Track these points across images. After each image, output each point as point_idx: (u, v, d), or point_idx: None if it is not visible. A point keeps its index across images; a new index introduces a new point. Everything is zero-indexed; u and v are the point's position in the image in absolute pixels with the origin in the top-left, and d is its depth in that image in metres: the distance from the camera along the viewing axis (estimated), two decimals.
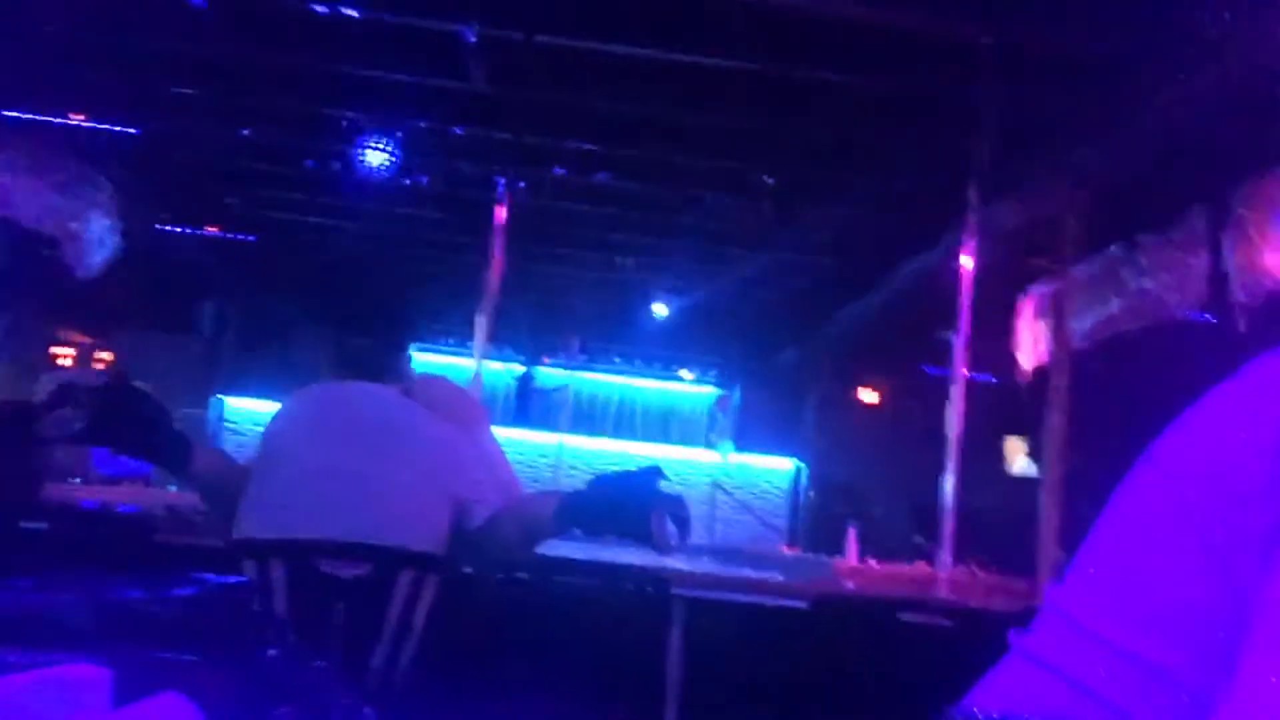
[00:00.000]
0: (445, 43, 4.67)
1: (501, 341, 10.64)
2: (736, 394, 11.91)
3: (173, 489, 5.45)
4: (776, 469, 11.27)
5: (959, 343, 4.85)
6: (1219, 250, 4.61)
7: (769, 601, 3.43)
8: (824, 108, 5.07)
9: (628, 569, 3.39)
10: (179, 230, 8.46)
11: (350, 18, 4.68)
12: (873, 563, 6.77)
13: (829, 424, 10.96)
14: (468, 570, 2.49)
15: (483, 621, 2.74)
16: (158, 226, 8.20)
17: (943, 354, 5.37)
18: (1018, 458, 9.95)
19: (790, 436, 11.22)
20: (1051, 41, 4.22)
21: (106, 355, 10.06)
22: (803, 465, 11.20)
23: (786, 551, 8.47)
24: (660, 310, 9.19)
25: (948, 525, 4.66)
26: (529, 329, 10.49)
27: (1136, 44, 3.90)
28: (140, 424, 2.18)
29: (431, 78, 5.19)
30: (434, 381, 2.71)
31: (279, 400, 2.50)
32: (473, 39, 4.51)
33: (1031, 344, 6.14)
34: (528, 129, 5.74)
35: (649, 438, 11.72)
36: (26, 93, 5.89)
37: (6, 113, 6.00)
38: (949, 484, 4.70)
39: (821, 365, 10.82)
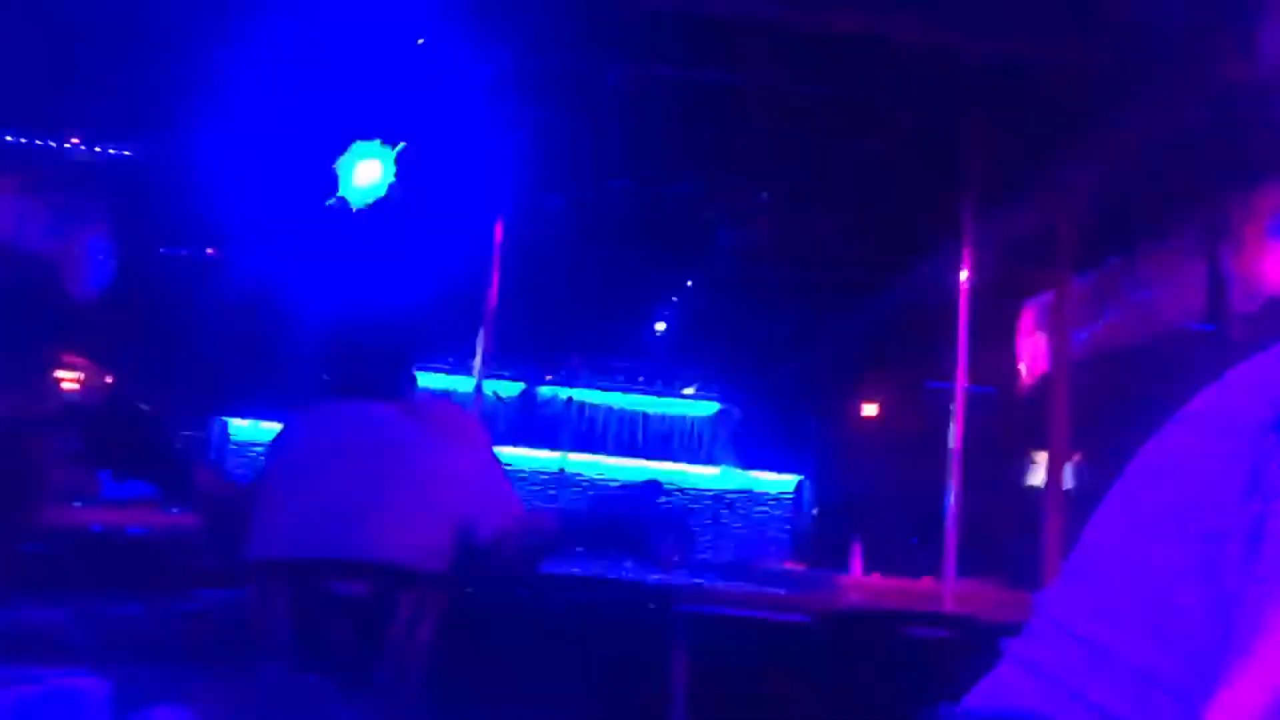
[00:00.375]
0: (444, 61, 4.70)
1: (502, 360, 10.65)
2: (737, 409, 11.91)
3: (175, 511, 5.44)
4: (778, 483, 11.25)
5: (959, 355, 4.86)
6: (1216, 260, 4.62)
7: (772, 616, 3.42)
8: (820, 122, 5.08)
9: (631, 585, 3.38)
10: (177, 252, 8.47)
11: (350, 37, 4.71)
12: (877, 577, 6.76)
13: (830, 438, 10.96)
14: (470, 589, 2.48)
15: (486, 639, 2.73)
16: (157, 248, 8.22)
17: (944, 366, 5.38)
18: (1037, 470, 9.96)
19: (792, 451, 11.21)
20: (1047, 53, 4.24)
21: (109, 378, 10.06)
22: (805, 479, 11.19)
23: (790, 566, 8.46)
24: (660, 327, 9.20)
25: (950, 538, 4.66)
26: (529, 346, 10.50)
27: (1131, 55, 3.92)
28: (141, 447, 2.17)
29: (429, 94, 5.21)
30: (434, 399, 2.71)
31: (281, 420, 2.50)
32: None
33: (1031, 355, 6.14)
34: (525, 145, 5.76)
35: (651, 454, 11.71)
36: (24, 116, 5.92)
37: (4, 136, 6.02)
38: (951, 497, 4.70)
39: (822, 379, 10.82)
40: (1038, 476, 9.90)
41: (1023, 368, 6.24)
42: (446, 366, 10.50)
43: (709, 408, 11.95)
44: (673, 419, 12.11)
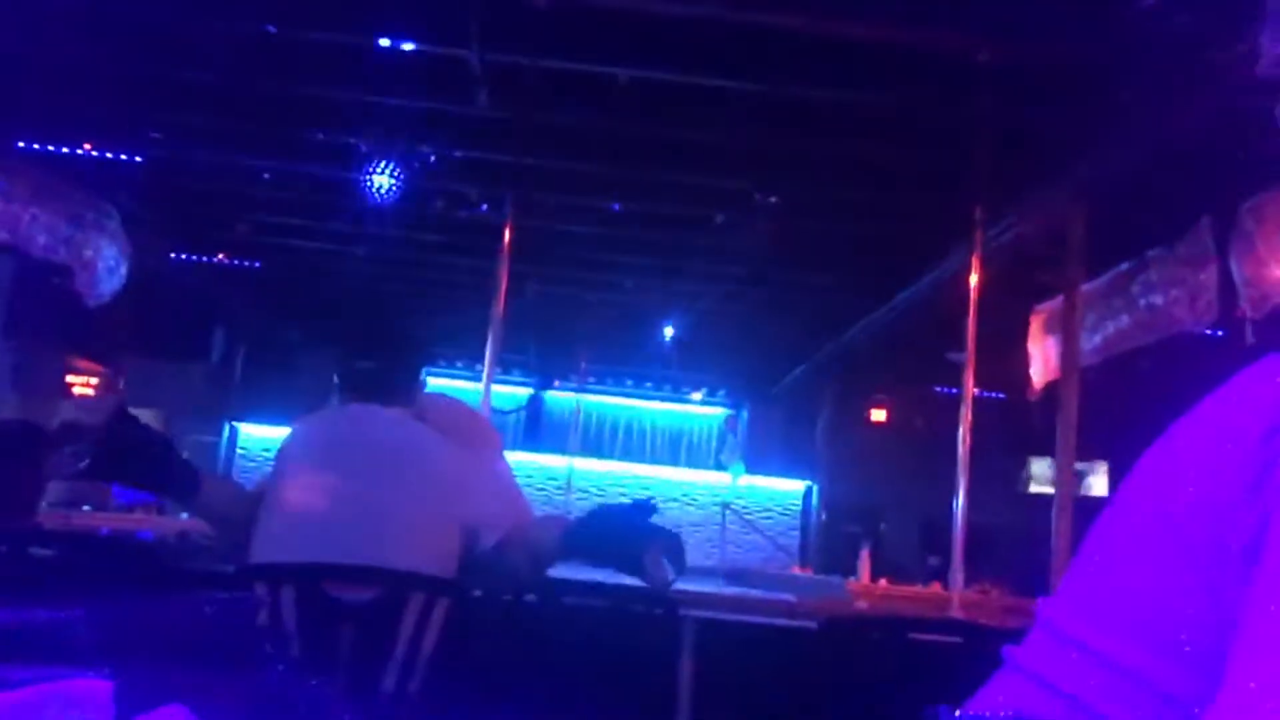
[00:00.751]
0: (450, 68, 4.70)
1: (511, 365, 10.66)
2: (745, 415, 11.90)
3: (184, 516, 5.47)
4: (787, 489, 11.24)
5: (967, 360, 4.85)
6: (1227, 265, 4.60)
7: (780, 622, 3.41)
8: (829, 126, 5.08)
9: (637, 590, 3.37)
10: (188, 258, 8.50)
11: (356, 44, 4.72)
12: (885, 583, 6.74)
13: (838, 443, 10.94)
14: (477, 593, 2.48)
15: (492, 644, 2.73)
16: (168, 255, 8.25)
17: (953, 372, 5.37)
18: (1039, 476, 9.95)
19: (800, 456, 11.20)
20: (1056, 57, 4.23)
21: (121, 384, 10.10)
22: (813, 485, 11.17)
23: (798, 572, 8.44)
24: (669, 332, 9.19)
25: (958, 544, 4.64)
26: (538, 352, 10.50)
27: (1143, 60, 3.91)
28: (144, 457, 2.17)
29: (436, 102, 5.22)
30: (444, 404, 2.70)
31: (290, 425, 2.50)
32: (476, 63, 4.54)
33: (1042, 360, 6.13)
34: (533, 151, 5.77)
35: (659, 460, 11.71)
36: (37, 123, 5.95)
37: (17, 143, 6.05)
38: (960, 502, 4.68)
39: (830, 385, 10.80)
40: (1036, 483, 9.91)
41: (1033, 373, 6.22)
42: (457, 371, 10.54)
43: (717, 414, 11.95)
44: (681, 425, 12.12)
